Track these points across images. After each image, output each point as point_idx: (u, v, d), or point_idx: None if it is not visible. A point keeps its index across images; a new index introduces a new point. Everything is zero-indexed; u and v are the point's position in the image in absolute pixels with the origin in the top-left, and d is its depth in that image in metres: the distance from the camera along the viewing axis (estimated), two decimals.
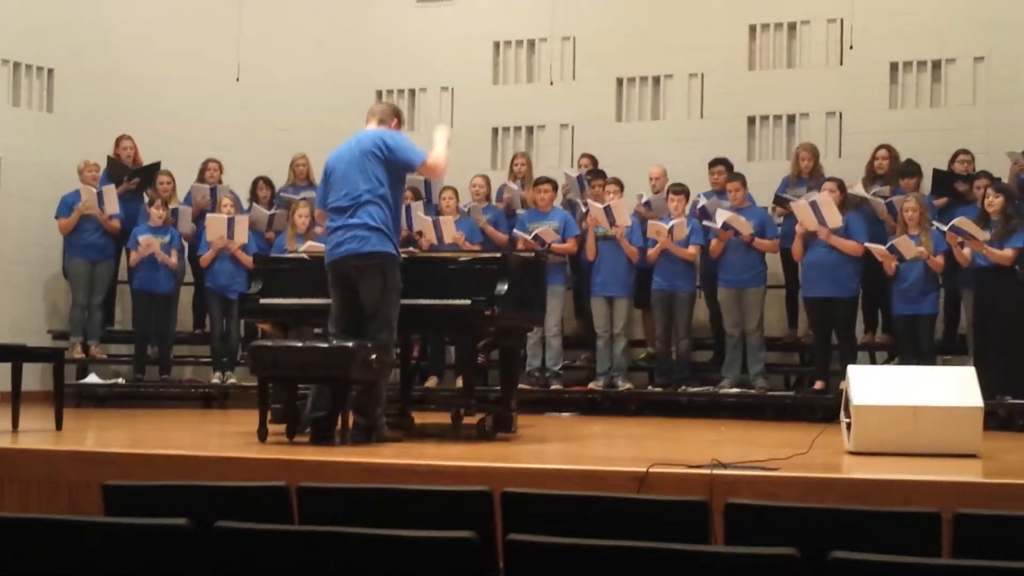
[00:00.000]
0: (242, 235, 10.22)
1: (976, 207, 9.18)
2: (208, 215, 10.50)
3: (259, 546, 3.11)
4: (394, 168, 6.70)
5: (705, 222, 9.93)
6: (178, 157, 11.10)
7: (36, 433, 7.12)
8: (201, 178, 11.05)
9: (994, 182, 9.19)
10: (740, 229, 9.63)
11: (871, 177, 10.02)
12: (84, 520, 3.46)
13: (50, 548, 3.18)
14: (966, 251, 8.92)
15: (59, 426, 7.29)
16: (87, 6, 11.55)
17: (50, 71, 11.35)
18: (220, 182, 11.03)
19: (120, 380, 10.64)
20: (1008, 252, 8.73)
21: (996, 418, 8.50)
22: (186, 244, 10.74)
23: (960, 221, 8.82)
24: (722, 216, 9.72)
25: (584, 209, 10.15)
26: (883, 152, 10.01)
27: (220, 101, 11.90)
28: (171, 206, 10.58)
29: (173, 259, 10.36)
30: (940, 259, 9.08)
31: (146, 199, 10.83)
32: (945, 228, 8.89)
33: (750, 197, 10.01)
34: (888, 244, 9.16)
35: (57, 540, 3.19)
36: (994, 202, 8.85)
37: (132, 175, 10.87)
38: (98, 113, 11.32)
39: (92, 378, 10.58)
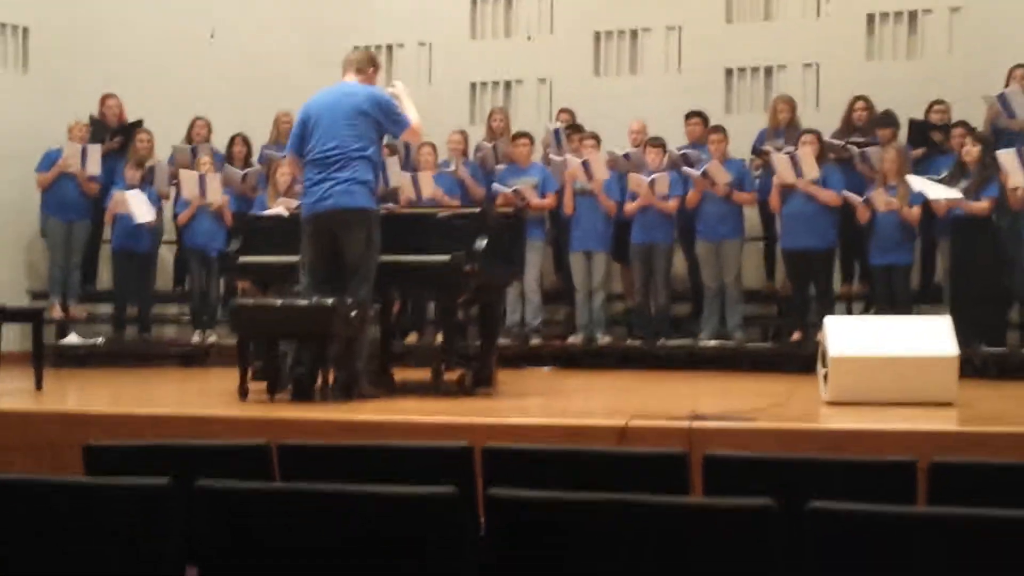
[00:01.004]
0: (214, 193, 10.17)
1: (953, 156, 9.21)
2: (181, 171, 10.45)
3: (240, 504, 3.13)
4: (382, 129, 6.83)
5: (684, 168, 9.91)
6: (156, 115, 11.00)
7: (16, 394, 7.13)
8: (189, 137, 10.99)
9: (972, 131, 9.22)
10: (717, 179, 9.62)
11: (849, 129, 10.03)
12: (66, 481, 3.47)
13: (33, 509, 3.19)
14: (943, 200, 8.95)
15: (39, 386, 7.28)
16: None
17: (25, 30, 11.25)
18: (207, 141, 10.97)
19: (100, 340, 10.62)
20: (984, 203, 8.76)
21: (971, 366, 8.52)
22: (166, 202, 10.69)
23: (936, 192, 8.81)
24: (703, 164, 9.73)
25: (560, 159, 10.14)
26: (861, 104, 10.01)
27: (196, 59, 11.81)
28: (149, 164, 10.52)
29: (149, 216, 10.26)
30: (916, 211, 9.10)
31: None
32: (927, 187, 8.83)
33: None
34: (864, 196, 9.20)
35: (39, 501, 3.21)
36: (971, 151, 8.88)
37: (114, 134, 10.81)
38: (74, 73, 11.23)
39: (72, 338, 10.56)
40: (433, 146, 10.37)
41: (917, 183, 8.88)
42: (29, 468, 5.69)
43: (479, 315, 8.01)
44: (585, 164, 9.78)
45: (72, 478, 3.63)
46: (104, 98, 10.96)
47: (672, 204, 9.85)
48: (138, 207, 10.09)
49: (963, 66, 10.51)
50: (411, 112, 6.96)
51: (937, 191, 8.83)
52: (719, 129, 9.95)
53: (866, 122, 9.95)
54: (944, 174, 9.09)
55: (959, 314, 7.73)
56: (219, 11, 11.96)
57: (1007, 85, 9.44)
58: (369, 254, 6.70)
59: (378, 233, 6.75)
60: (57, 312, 10.49)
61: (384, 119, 6.79)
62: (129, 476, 3.32)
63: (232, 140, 11.04)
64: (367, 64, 6.98)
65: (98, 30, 11.42)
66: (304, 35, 11.86)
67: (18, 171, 10.72)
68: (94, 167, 10.38)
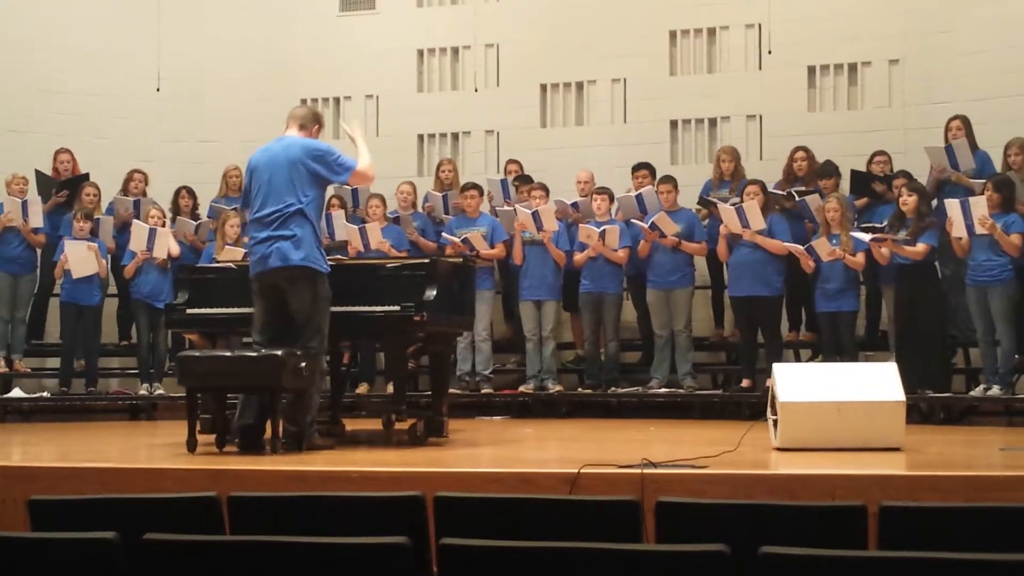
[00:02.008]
0: (161, 250, 10.11)
1: (895, 206, 9.34)
2: (134, 222, 10.38)
3: (190, 557, 3.09)
4: (322, 180, 6.70)
5: (633, 220, 9.98)
6: (102, 169, 10.95)
7: None
8: (125, 189, 10.93)
9: (910, 182, 9.37)
10: (665, 230, 9.69)
11: (790, 179, 10.15)
12: (10, 536, 3.42)
13: None
14: (884, 250, 9.07)
15: None
16: (5, 17, 11.39)
17: None
18: (144, 194, 10.93)
19: (45, 394, 10.48)
20: (920, 247, 8.88)
21: (918, 411, 8.68)
22: (110, 255, 10.61)
23: (878, 236, 8.98)
24: (650, 216, 9.81)
25: (510, 210, 10.19)
26: (801, 154, 10.13)
27: (142, 112, 11.78)
28: (96, 217, 10.45)
29: (101, 267, 10.19)
30: (860, 258, 9.19)
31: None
32: (865, 238, 9.01)
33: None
34: (807, 245, 9.30)
35: None
36: (908, 201, 9.01)
37: (60, 188, 10.72)
38: (19, 126, 11.17)
39: (17, 392, 10.41)
40: (382, 198, 10.39)
41: (861, 236, 9.03)
42: None
43: (429, 364, 7.99)
44: (535, 214, 9.83)
45: (17, 533, 3.58)
46: (57, 153, 10.90)
47: (623, 254, 9.91)
48: (78, 261, 10.00)
49: (902, 117, 10.72)
50: (362, 153, 6.81)
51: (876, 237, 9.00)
52: (668, 179, 10.03)
53: (806, 172, 10.08)
54: (884, 223, 9.24)
55: (905, 360, 7.82)
56: (162, 65, 11.93)
57: (946, 136, 9.62)
58: (316, 308, 6.62)
59: (324, 286, 6.66)
60: (1, 367, 10.34)
61: (322, 168, 6.63)
62: (75, 531, 3.27)
63: (178, 193, 11.02)
64: (311, 121, 6.86)
65: (41, 84, 11.38)
66: (251, 87, 11.86)
67: None
68: (36, 220, 10.27)
